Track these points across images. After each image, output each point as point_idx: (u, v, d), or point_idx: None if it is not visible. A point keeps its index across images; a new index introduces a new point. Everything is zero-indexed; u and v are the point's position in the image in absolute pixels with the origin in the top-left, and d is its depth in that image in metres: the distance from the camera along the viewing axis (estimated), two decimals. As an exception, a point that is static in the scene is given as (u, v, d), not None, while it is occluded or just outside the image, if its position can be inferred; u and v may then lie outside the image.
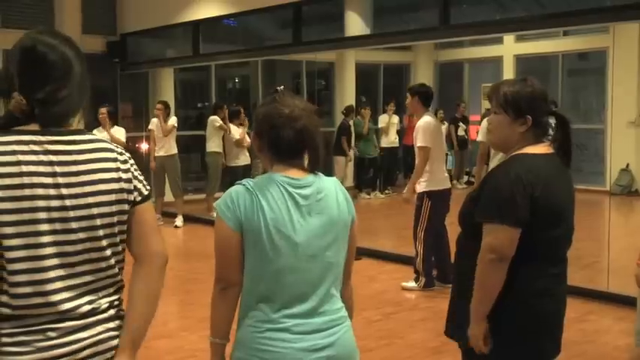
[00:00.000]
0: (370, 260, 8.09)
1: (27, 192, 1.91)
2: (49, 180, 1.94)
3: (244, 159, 10.86)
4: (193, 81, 15.42)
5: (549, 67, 14.64)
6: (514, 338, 2.74)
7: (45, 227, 1.93)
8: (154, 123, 11.01)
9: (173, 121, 10.93)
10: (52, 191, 1.94)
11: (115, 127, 10.26)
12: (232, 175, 10.43)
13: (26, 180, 1.91)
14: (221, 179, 11.14)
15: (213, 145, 11.15)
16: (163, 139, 10.85)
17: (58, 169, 1.96)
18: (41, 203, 1.92)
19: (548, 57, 14.54)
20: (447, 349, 4.64)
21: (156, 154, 10.93)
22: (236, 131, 10.79)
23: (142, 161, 11.92)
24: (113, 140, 9.55)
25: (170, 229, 10.96)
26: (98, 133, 9.51)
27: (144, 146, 11.98)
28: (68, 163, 1.98)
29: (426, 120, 6.87)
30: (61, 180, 1.95)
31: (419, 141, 6.83)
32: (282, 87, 2.51)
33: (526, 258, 2.67)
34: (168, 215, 11.33)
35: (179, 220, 11.11)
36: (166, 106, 11.05)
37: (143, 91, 13.30)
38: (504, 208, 2.65)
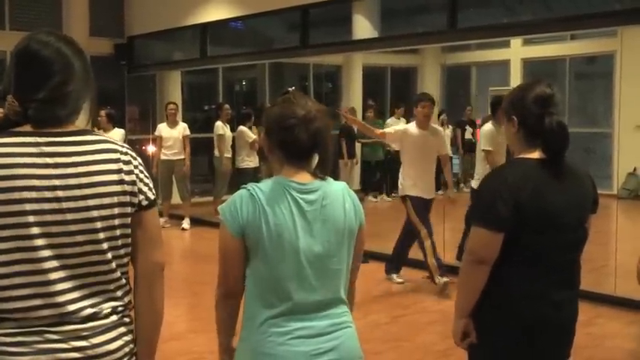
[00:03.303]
0: (377, 263, 8.07)
1: (16, 195, 1.87)
2: (44, 182, 1.90)
3: (254, 161, 10.86)
4: (200, 83, 15.44)
5: (557, 71, 14.62)
6: (501, 340, 2.74)
7: (35, 230, 1.89)
8: (160, 129, 11.07)
9: (185, 129, 11.08)
10: (47, 194, 1.90)
11: (115, 129, 10.33)
12: (242, 177, 10.43)
13: (18, 183, 1.88)
14: (230, 181, 11.15)
15: (217, 149, 11.20)
16: (172, 142, 10.92)
17: (54, 171, 1.91)
18: (29, 207, 1.88)
19: (556, 60, 14.52)
20: (455, 352, 4.62)
21: (164, 157, 10.99)
22: (250, 132, 10.78)
23: (147, 164, 11.95)
24: None
25: (177, 231, 10.99)
26: None
27: (150, 149, 12.03)
28: (66, 165, 1.93)
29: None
30: (57, 182, 1.91)
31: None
32: (293, 88, 2.49)
33: (516, 262, 2.67)
34: (175, 218, 11.35)
35: (186, 223, 11.15)
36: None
37: (150, 94, 13.33)
38: (485, 211, 2.67)
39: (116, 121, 10.63)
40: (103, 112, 10.19)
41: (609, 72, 13.44)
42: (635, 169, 12.66)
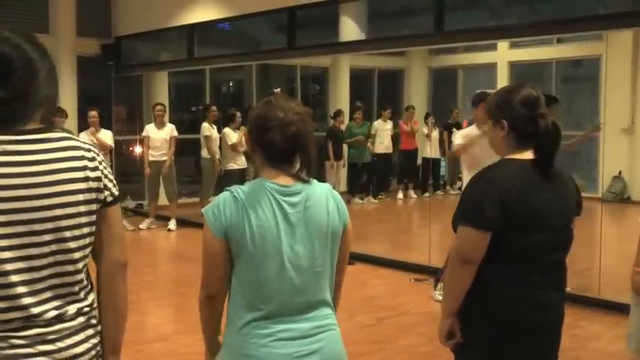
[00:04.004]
0: (363, 265, 8.10)
1: None
2: (6, 181, 1.84)
3: (241, 163, 10.80)
4: (187, 84, 15.41)
5: (543, 74, 14.68)
6: (487, 341, 2.75)
7: None
8: (147, 130, 11.05)
9: (173, 130, 11.03)
10: (9, 193, 1.84)
11: (102, 130, 10.28)
12: (229, 179, 10.38)
13: None
14: (217, 183, 11.10)
15: (208, 150, 11.16)
16: (159, 143, 10.90)
17: (16, 169, 1.86)
18: None
19: (542, 64, 14.59)
20: (440, 353, 4.65)
21: (152, 159, 10.95)
22: (232, 135, 10.72)
23: (134, 165, 11.92)
24: (99, 143, 9.62)
25: (163, 232, 10.97)
26: (85, 136, 9.61)
27: (137, 149, 11.99)
28: (29, 164, 1.88)
29: None
30: (18, 181, 1.86)
31: None
32: (278, 89, 2.49)
33: (503, 262, 2.68)
34: (162, 219, 11.33)
35: (172, 224, 11.12)
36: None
37: (137, 95, 13.30)
38: (471, 211, 2.68)
39: (104, 122, 10.59)
40: (95, 113, 10.14)
41: (595, 75, 13.51)
42: (620, 173, 12.73)
